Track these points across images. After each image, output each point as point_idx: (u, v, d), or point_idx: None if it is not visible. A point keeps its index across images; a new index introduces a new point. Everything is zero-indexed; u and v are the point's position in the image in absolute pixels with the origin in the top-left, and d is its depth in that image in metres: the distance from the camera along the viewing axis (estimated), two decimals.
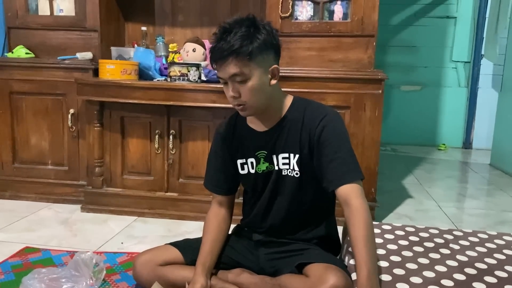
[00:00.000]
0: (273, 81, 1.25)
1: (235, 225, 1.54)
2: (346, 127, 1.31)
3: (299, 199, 1.34)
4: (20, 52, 2.56)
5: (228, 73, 1.19)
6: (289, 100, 1.35)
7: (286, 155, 1.31)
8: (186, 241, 1.47)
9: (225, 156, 1.41)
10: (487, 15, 4.64)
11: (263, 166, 1.35)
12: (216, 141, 1.44)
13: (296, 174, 1.31)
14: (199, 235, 1.50)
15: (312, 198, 1.34)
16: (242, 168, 1.39)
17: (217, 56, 1.19)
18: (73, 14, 2.55)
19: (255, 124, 1.35)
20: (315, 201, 1.35)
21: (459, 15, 4.94)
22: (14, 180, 2.64)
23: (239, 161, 1.39)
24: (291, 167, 1.31)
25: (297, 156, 1.29)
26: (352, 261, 1.24)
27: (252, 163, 1.36)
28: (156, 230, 2.23)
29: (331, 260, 1.25)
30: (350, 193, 1.17)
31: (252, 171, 1.37)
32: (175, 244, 1.43)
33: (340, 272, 1.15)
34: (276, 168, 1.33)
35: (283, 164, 1.32)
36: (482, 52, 4.74)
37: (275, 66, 1.25)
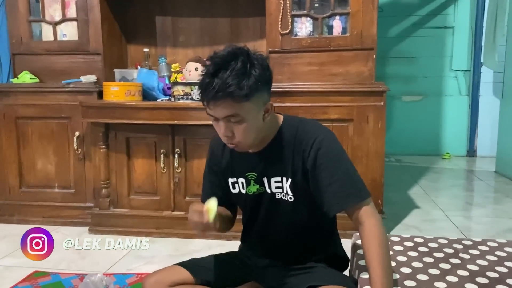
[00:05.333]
0: (267, 117, 1.19)
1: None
2: (341, 144, 1.24)
3: (296, 223, 1.30)
4: (25, 77, 2.60)
5: (223, 114, 1.11)
6: (279, 121, 1.27)
7: (279, 178, 1.26)
8: (194, 261, 1.46)
9: (218, 172, 1.38)
10: (484, 24, 4.68)
11: (254, 188, 1.30)
12: (209, 157, 1.41)
13: (290, 198, 1.26)
14: (207, 253, 1.50)
15: (310, 221, 1.30)
16: (233, 187, 1.34)
17: (210, 95, 1.08)
18: (76, 38, 2.60)
19: None
20: (313, 223, 1.31)
21: (457, 25, 4.98)
22: (21, 205, 2.65)
23: (230, 180, 1.34)
24: (285, 191, 1.26)
25: (290, 180, 1.24)
26: (362, 275, 1.23)
27: (242, 183, 1.32)
28: (164, 250, 2.23)
29: (341, 281, 1.23)
30: (361, 215, 1.14)
31: (243, 191, 1.33)
32: (183, 264, 1.41)
33: None
34: (269, 191, 1.28)
35: (276, 187, 1.27)
36: (482, 60, 4.76)
37: (269, 102, 1.18)
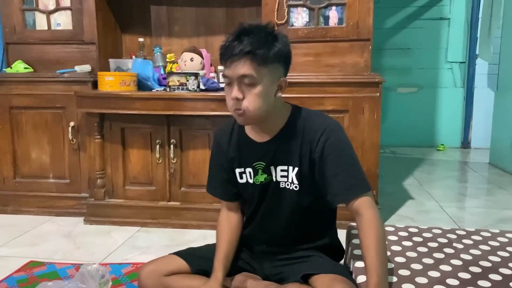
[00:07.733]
0: (279, 93, 1.23)
1: None
2: (347, 136, 1.27)
3: (298, 212, 1.31)
4: (19, 67, 2.57)
5: (238, 73, 1.14)
6: (288, 110, 1.30)
7: (285, 167, 1.28)
8: (190, 250, 1.47)
9: (224, 163, 1.38)
10: (480, 16, 4.68)
11: (261, 177, 1.31)
12: (214, 148, 1.41)
13: (295, 187, 1.28)
14: (203, 243, 1.50)
15: (312, 210, 1.32)
16: (241, 177, 1.36)
17: (230, 54, 1.14)
18: (71, 27, 2.57)
19: (253, 134, 1.31)
20: (315, 212, 1.33)
21: (453, 17, 4.98)
22: (16, 195, 2.64)
23: (237, 170, 1.35)
24: (290, 180, 1.28)
25: (296, 169, 1.26)
26: (357, 264, 1.25)
27: (250, 173, 1.33)
28: (159, 240, 2.24)
29: (337, 270, 1.24)
30: (360, 206, 1.16)
31: (251, 181, 1.34)
32: (179, 254, 1.42)
33: (346, 284, 1.15)
34: (274, 179, 1.30)
35: (281, 176, 1.29)
36: (477, 52, 4.77)
37: (284, 79, 1.23)
